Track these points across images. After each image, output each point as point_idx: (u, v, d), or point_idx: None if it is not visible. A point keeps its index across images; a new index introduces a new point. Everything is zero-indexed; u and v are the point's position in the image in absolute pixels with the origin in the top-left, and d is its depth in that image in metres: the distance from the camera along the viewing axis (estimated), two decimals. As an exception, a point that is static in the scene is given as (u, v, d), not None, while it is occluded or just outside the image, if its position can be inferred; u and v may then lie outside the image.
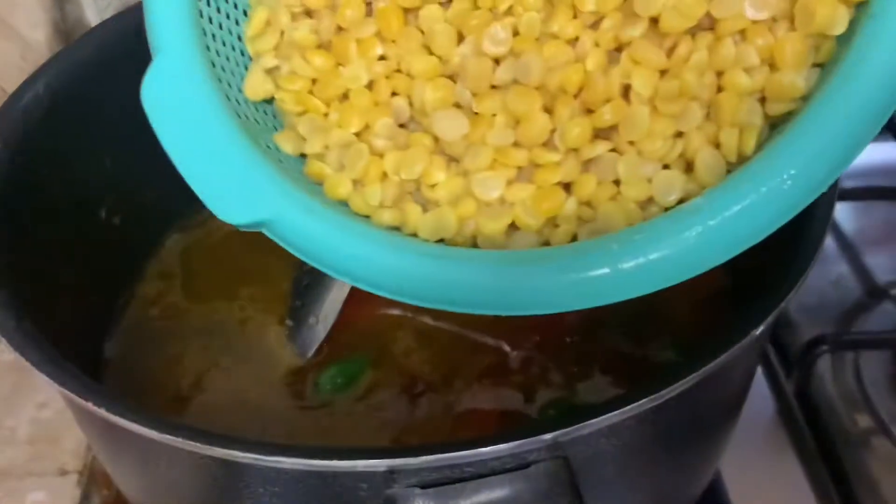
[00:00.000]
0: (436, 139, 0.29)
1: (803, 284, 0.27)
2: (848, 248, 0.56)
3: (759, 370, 0.48)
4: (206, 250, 0.43)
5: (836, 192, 0.30)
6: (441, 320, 0.38)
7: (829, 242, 0.56)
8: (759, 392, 0.47)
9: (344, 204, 0.29)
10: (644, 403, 0.24)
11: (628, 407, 0.24)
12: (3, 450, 0.43)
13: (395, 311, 0.38)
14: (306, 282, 0.38)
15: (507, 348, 0.37)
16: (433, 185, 0.28)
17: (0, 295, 0.29)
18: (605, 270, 0.24)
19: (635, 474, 0.30)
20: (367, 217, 0.29)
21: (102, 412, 0.24)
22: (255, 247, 0.42)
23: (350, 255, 0.26)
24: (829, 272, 0.54)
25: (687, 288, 0.24)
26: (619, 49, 0.28)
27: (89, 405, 0.24)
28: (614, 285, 0.24)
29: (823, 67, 0.26)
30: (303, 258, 0.27)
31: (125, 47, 0.41)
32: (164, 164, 0.44)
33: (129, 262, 0.42)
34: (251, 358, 0.38)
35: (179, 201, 0.45)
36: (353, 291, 0.34)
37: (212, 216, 0.44)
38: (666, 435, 0.29)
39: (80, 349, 0.36)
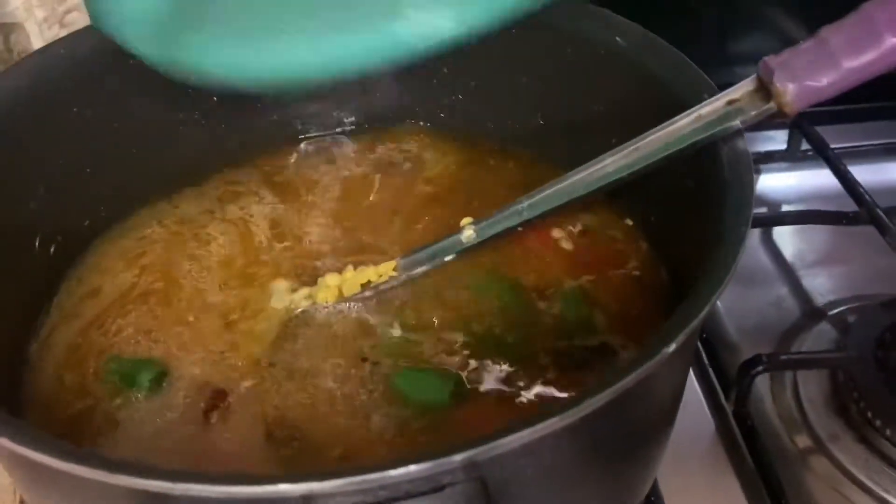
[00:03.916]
0: None
1: (719, 301, 0.28)
2: (787, 270, 0.57)
3: (699, 390, 0.49)
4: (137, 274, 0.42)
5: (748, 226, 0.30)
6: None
7: (769, 264, 0.57)
8: (699, 412, 0.48)
9: None
10: (555, 422, 0.24)
11: (539, 426, 0.24)
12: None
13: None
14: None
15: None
16: None
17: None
18: None
19: (560, 494, 0.30)
20: None
21: (5, 441, 0.23)
22: (191, 272, 0.42)
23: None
24: (768, 294, 0.55)
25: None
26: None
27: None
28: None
29: None
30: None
31: (61, 74, 0.41)
32: (99, 191, 0.44)
33: (58, 291, 0.42)
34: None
35: (115, 228, 0.45)
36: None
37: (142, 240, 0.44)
38: (588, 454, 0.29)
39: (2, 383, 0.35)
